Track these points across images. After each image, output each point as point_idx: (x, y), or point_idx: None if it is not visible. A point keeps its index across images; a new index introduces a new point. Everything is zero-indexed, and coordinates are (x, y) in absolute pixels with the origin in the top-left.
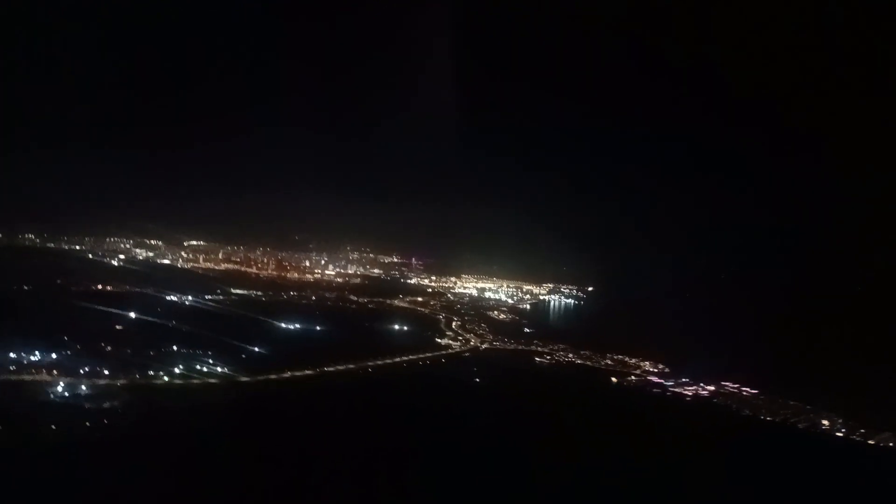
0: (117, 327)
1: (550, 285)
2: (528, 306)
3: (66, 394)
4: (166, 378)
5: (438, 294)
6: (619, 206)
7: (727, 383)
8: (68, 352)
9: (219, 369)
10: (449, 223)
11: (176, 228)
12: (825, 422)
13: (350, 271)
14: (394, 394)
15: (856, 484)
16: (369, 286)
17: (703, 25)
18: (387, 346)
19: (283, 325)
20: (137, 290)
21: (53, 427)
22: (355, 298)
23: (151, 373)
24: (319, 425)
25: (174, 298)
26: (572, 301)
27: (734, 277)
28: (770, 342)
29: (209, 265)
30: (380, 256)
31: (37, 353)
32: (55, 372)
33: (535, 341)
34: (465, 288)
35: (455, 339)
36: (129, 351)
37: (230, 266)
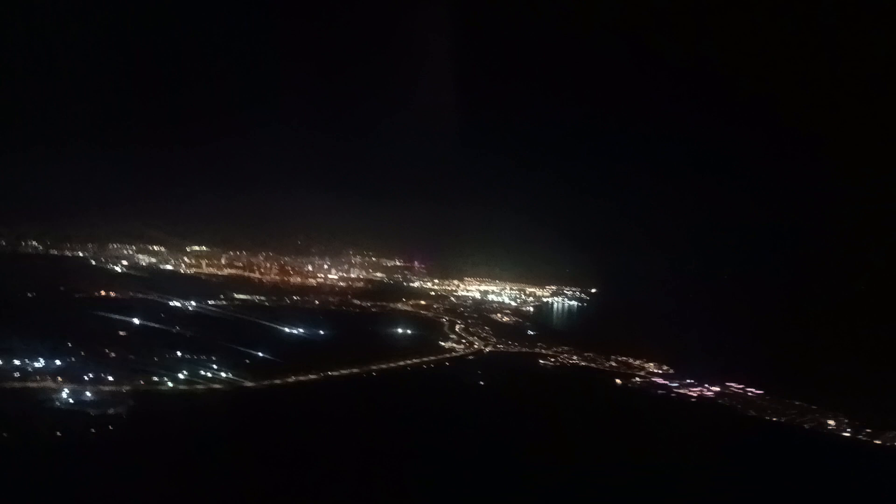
0: (121, 333)
1: (553, 287)
2: (532, 308)
3: (71, 400)
4: (171, 384)
5: (441, 297)
6: (622, 208)
7: (732, 383)
8: (72, 358)
9: (223, 375)
10: (451, 226)
11: (178, 234)
12: (831, 422)
13: (353, 275)
14: (398, 397)
15: (863, 484)
16: (372, 290)
17: (704, 25)
18: (391, 350)
19: (287, 329)
20: (141, 295)
21: (59, 433)
22: (358, 302)
23: (156, 378)
24: (325, 430)
25: (178, 304)
26: (575, 303)
27: (737, 278)
28: (774, 342)
29: (212, 270)
30: (382, 260)
31: (41, 359)
32: (60, 378)
33: (538, 343)
34: (467, 291)
35: (459, 342)
36: (133, 357)
37: (233, 271)
